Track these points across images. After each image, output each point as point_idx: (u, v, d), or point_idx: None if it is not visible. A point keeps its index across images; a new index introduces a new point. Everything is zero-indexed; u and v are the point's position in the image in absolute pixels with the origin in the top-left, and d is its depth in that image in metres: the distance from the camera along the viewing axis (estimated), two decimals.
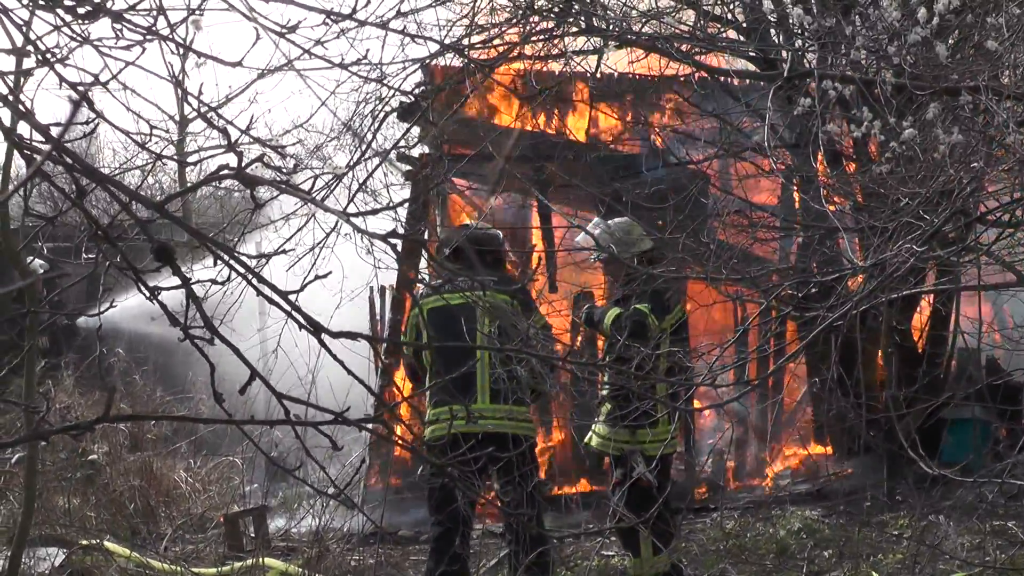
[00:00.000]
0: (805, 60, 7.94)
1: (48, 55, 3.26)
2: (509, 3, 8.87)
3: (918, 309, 11.70)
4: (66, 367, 13.77)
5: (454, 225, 11.72)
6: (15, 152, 3.56)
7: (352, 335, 3.16)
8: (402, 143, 10.55)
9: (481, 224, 8.68)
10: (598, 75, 9.47)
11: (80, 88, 3.20)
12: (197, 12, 3.45)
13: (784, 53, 8.54)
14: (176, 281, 3.00)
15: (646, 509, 7.49)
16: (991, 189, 6.53)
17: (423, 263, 11.64)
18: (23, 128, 3.21)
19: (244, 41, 3.61)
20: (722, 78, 10.07)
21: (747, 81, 10.86)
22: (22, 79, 4.03)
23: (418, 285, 10.58)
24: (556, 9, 8.00)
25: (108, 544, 9.08)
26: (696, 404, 8.79)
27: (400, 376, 9.60)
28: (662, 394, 7.38)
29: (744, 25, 9.89)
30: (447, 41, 8.33)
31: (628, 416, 7.37)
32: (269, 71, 6.44)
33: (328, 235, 8.71)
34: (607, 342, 8.25)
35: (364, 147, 9.39)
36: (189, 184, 19.66)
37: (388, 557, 9.78)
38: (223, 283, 3.37)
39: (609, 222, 8.44)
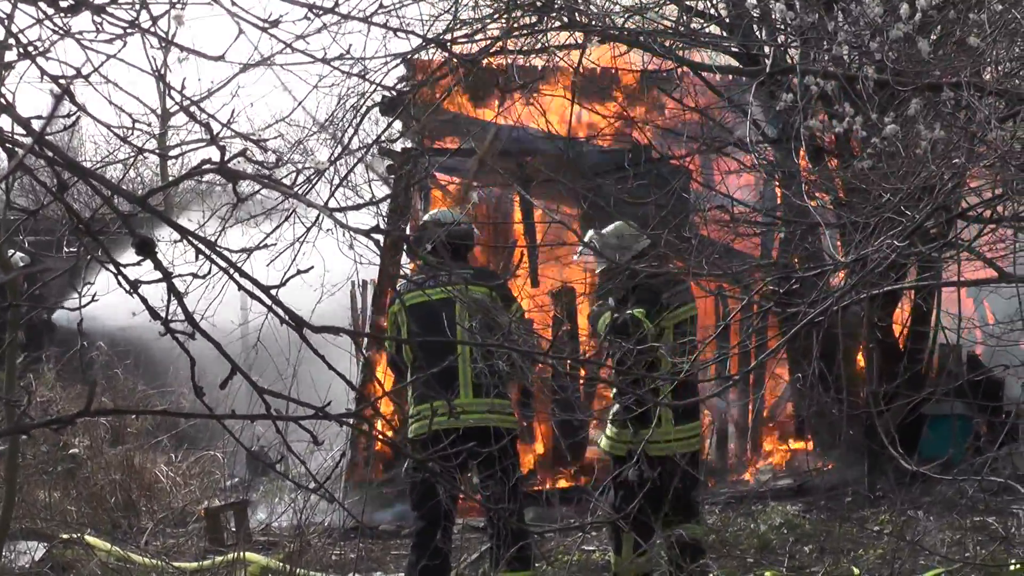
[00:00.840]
0: (787, 56, 7.96)
1: (30, 48, 3.25)
2: None
3: (899, 305, 11.72)
4: (47, 361, 13.71)
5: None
6: None
7: (333, 330, 3.16)
8: (384, 138, 10.53)
9: (442, 214, 8.62)
10: (580, 70, 9.47)
11: (62, 81, 3.19)
12: (179, 6, 3.43)
13: (766, 49, 8.55)
14: (158, 275, 3.00)
15: (645, 510, 7.46)
16: (972, 185, 6.55)
17: (404, 258, 11.61)
18: (4, 121, 3.20)
19: (226, 35, 3.60)
20: (704, 73, 10.07)
21: (730, 77, 10.87)
22: (3, 72, 4.01)
23: (400, 279, 10.57)
24: (538, 4, 7.98)
25: (89, 538, 9.04)
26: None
27: (382, 370, 9.59)
28: (665, 392, 7.33)
29: (727, 21, 9.90)
30: (430, 36, 8.32)
31: (633, 415, 7.39)
32: (251, 65, 6.41)
33: (309, 230, 8.70)
34: (607, 345, 8.20)
35: (346, 143, 9.37)
36: (171, 178, 19.61)
37: (369, 551, 9.77)
38: (204, 277, 3.37)
39: (600, 232, 8.39)
